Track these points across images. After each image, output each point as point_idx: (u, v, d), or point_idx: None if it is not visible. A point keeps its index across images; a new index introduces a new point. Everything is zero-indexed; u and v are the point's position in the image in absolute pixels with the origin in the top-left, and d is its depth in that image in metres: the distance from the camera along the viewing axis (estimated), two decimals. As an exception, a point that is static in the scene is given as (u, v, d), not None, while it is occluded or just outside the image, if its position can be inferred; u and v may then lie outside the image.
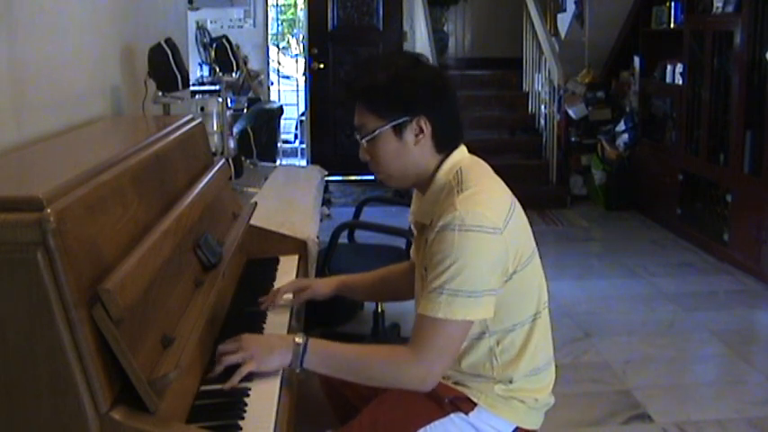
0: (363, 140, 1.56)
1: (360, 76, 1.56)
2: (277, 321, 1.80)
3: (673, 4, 5.37)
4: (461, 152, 1.59)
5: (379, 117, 1.53)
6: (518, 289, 1.53)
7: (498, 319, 1.52)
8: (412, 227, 1.69)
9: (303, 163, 7.15)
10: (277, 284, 2.04)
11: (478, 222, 1.43)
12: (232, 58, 3.41)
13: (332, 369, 1.52)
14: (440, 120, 1.54)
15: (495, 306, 1.49)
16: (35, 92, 1.86)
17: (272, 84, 7.53)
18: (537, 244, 1.62)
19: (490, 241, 1.44)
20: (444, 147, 1.56)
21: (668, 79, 5.48)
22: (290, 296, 1.87)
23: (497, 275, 1.47)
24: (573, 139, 6.32)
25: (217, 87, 3.84)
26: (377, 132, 1.53)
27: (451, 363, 1.50)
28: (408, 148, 1.54)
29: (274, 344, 1.52)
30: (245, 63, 5.28)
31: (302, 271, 2.20)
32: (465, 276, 1.42)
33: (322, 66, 7.00)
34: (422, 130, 1.53)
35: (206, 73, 5.04)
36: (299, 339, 1.49)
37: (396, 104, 1.52)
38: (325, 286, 1.90)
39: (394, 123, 1.52)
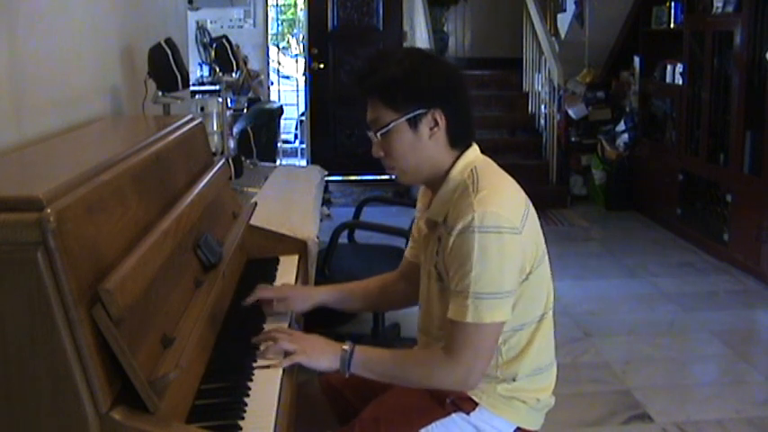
0: (378, 134, 1.54)
1: (373, 71, 1.54)
2: (277, 322, 1.79)
3: (673, 4, 5.37)
4: (475, 151, 1.59)
5: (393, 110, 1.51)
6: (530, 289, 1.53)
7: (509, 319, 1.52)
8: (421, 224, 1.68)
9: (303, 163, 7.15)
10: (277, 284, 2.03)
11: (497, 223, 1.43)
12: (232, 58, 3.41)
13: (375, 374, 1.55)
14: (454, 114, 1.54)
15: None
16: (35, 92, 1.86)
17: (272, 84, 7.53)
18: (540, 244, 1.62)
19: (510, 241, 1.44)
20: (458, 142, 1.56)
21: (668, 79, 5.48)
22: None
23: (517, 276, 1.48)
24: (573, 139, 6.32)
25: (217, 87, 3.84)
26: (391, 125, 1.52)
27: (490, 360, 1.51)
28: (423, 141, 1.53)
29: (325, 347, 1.57)
30: (245, 63, 5.28)
31: (302, 271, 2.19)
32: (487, 279, 1.43)
33: (322, 66, 7.00)
34: (437, 123, 1.52)
35: (206, 73, 5.05)
36: (345, 347, 1.54)
37: (411, 97, 1.51)
38: (303, 302, 1.84)
39: (409, 116, 1.51)
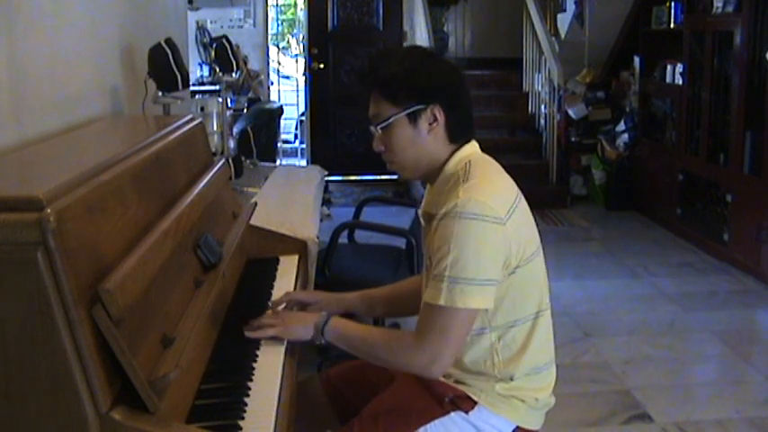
0: (378, 128, 1.57)
1: (376, 67, 1.58)
2: (277, 321, 1.79)
3: (673, 4, 5.37)
4: (473, 146, 1.61)
5: (394, 105, 1.55)
6: (521, 284, 1.53)
7: (500, 315, 1.53)
8: (420, 219, 1.69)
9: (303, 163, 7.15)
10: (277, 284, 2.04)
11: (479, 211, 1.44)
12: (232, 58, 3.41)
13: (347, 346, 1.60)
14: (453, 110, 1.56)
15: (497, 300, 1.50)
16: (35, 92, 1.86)
17: (272, 84, 7.53)
18: (537, 244, 1.62)
19: (490, 230, 1.45)
20: (457, 138, 1.58)
21: (668, 79, 5.48)
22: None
23: (498, 266, 1.48)
24: (573, 139, 6.32)
25: (217, 87, 3.84)
26: (392, 119, 1.55)
27: (458, 350, 1.51)
28: (422, 136, 1.55)
29: (302, 318, 1.66)
30: (245, 63, 5.28)
31: (302, 271, 2.19)
32: (463, 264, 1.43)
33: (322, 66, 7.00)
34: (436, 119, 1.55)
35: (206, 73, 5.05)
36: (322, 314, 1.62)
37: (411, 92, 1.54)
38: (334, 306, 1.84)
39: (409, 111, 1.54)
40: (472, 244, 1.44)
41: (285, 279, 2.08)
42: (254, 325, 1.65)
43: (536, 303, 1.59)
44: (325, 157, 6.60)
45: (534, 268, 1.57)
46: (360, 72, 1.62)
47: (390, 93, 1.55)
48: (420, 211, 1.70)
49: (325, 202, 4.78)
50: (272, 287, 2.01)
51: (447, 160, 1.58)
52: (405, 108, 1.54)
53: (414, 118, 1.55)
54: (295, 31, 10.06)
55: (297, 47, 9.54)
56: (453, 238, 1.44)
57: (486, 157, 1.62)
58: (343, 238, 3.20)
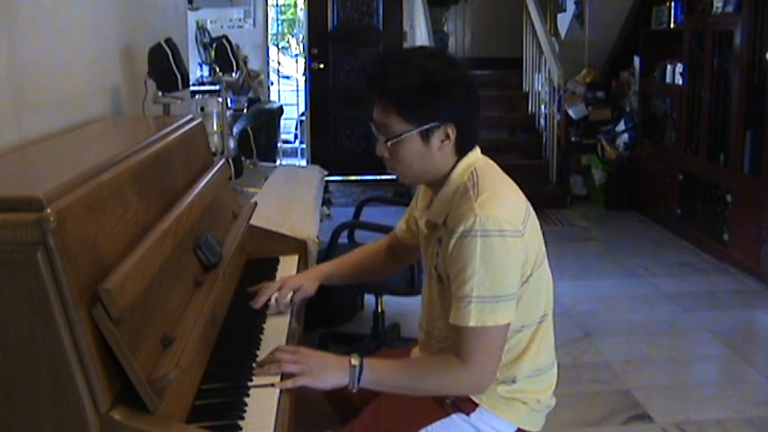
0: (388, 142, 1.52)
1: (388, 73, 1.50)
2: (277, 321, 1.79)
3: (673, 4, 5.38)
4: (476, 152, 1.59)
5: (406, 121, 1.49)
6: (530, 291, 1.53)
7: (511, 322, 1.52)
8: (420, 223, 1.67)
9: (303, 163, 7.15)
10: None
11: (499, 227, 1.43)
12: (232, 58, 3.41)
13: (388, 387, 1.52)
14: (465, 126, 1.53)
15: None
16: (35, 92, 1.86)
17: (272, 84, 7.52)
18: (539, 244, 1.62)
19: (512, 244, 1.44)
20: (465, 151, 1.56)
21: (668, 79, 5.48)
22: (287, 301, 1.83)
23: (518, 278, 1.48)
24: (573, 139, 6.32)
25: (217, 87, 3.84)
26: (403, 136, 1.50)
27: (500, 360, 1.51)
28: (432, 152, 1.52)
29: (331, 364, 1.50)
30: (245, 63, 5.28)
31: (302, 271, 2.19)
32: (490, 282, 1.43)
33: (322, 66, 7.00)
34: (448, 137, 1.52)
35: (206, 73, 5.04)
36: (354, 362, 1.48)
37: (427, 111, 1.49)
38: (311, 283, 1.86)
39: (422, 129, 1.50)
40: (497, 261, 1.43)
41: (285, 279, 2.08)
42: (268, 362, 1.50)
43: (543, 307, 1.59)
44: (324, 157, 6.60)
45: (542, 273, 1.57)
46: (368, 74, 1.53)
47: (404, 107, 1.48)
48: (419, 216, 1.68)
49: (325, 202, 4.77)
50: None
51: (452, 168, 1.55)
52: (418, 125, 1.49)
53: (426, 135, 1.50)
54: (295, 31, 10.06)
55: (297, 47, 9.54)
56: (478, 258, 1.42)
57: (490, 161, 1.60)
58: (343, 238, 3.20)
